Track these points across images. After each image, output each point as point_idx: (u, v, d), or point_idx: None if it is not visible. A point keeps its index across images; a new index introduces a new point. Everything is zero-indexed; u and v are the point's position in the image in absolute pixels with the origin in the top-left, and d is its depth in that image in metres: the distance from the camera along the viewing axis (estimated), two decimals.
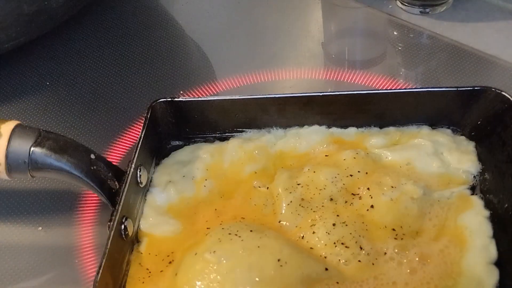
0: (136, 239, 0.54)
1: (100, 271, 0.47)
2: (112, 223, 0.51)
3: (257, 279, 0.47)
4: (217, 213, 0.56)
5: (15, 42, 0.74)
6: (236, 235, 0.50)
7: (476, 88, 0.58)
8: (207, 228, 0.54)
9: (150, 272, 0.52)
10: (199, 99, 0.63)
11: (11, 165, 0.53)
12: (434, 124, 0.60)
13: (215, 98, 0.63)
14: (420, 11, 0.81)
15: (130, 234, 0.53)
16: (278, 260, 0.48)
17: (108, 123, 0.71)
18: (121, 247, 0.52)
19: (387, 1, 0.84)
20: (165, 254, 0.53)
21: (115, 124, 0.71)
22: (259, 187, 0.57)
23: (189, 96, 0.73)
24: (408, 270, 0.49)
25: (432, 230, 0.52)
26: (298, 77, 0.75)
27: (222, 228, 0.52)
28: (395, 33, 0.81)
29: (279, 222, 0.54)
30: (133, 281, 0.51)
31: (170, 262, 0.52)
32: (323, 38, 0.83)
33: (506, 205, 0.52)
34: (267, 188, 0.57)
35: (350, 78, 0.73)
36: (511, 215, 0.51)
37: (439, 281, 0.48)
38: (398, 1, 0.83)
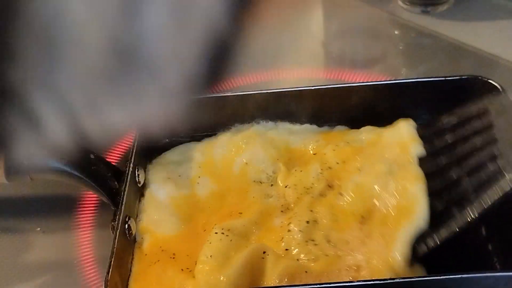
0: (136, 238, 0.54)
1: (110, 270, 0.47)
2: (116, 222, 0.50)
3: None
4: (214, 209, 0.56)
5: None
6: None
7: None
8: (207, 224, 0.54)
9: (153, 269, 0.51)
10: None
11: (10, 168, 0.52)
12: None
13: (204, 96, 0.63)
14: (421, 10, 0.81)
15: (133, 233, 0.53)
16: None
17: None
18: (126, 246, 0.52)
19: (388, 0, 0.83)
20: (167, 251, 0.53)
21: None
22: (260, 182, 0.57)
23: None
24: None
25: (392, 201, 0.51)
26: (299, 76, 0.75)
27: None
28: (396, 32, 0.81)
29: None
30: (138, 279, 0.51)
31: (172, 258, 0.52)
32: (324, 37, 0.82)
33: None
34: (271, 185, 0.57)
35: (351, 77, 0.73)
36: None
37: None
38: (399, 0, 0.83)
